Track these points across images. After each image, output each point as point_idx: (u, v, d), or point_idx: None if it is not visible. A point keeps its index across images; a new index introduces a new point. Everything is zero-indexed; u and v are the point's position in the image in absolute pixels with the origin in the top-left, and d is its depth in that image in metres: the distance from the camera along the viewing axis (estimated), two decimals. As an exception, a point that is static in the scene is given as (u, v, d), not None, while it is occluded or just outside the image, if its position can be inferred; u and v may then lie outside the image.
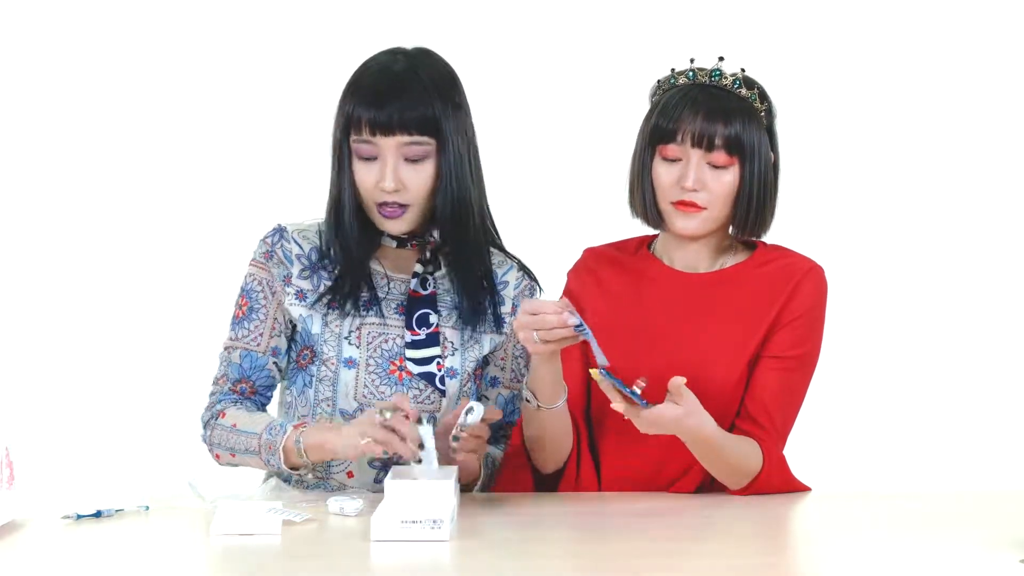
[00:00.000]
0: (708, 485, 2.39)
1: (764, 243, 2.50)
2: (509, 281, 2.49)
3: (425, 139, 2.34)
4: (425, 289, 2.45)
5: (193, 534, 2.07)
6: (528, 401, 2.35)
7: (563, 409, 2.36)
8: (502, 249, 2.51)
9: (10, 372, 4.04)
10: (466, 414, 2.24)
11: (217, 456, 2.41)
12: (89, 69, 4.07)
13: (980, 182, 4.09)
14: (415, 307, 2.43)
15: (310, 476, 2.36)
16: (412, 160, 2.35)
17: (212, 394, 2.45)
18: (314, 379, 2.42)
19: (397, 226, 2.39)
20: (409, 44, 2.44)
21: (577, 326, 2.20)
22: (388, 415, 2.21)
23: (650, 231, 2.51)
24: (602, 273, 2.50)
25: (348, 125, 2.36)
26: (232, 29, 4.06)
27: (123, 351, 4.07)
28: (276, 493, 2.37)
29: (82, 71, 4.07)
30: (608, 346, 2.35)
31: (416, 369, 2.41)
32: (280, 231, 2.47)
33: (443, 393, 2.42)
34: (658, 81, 2.46)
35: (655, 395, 2.29)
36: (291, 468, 2.34)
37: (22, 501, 2.16)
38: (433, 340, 2.43)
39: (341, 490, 2.39)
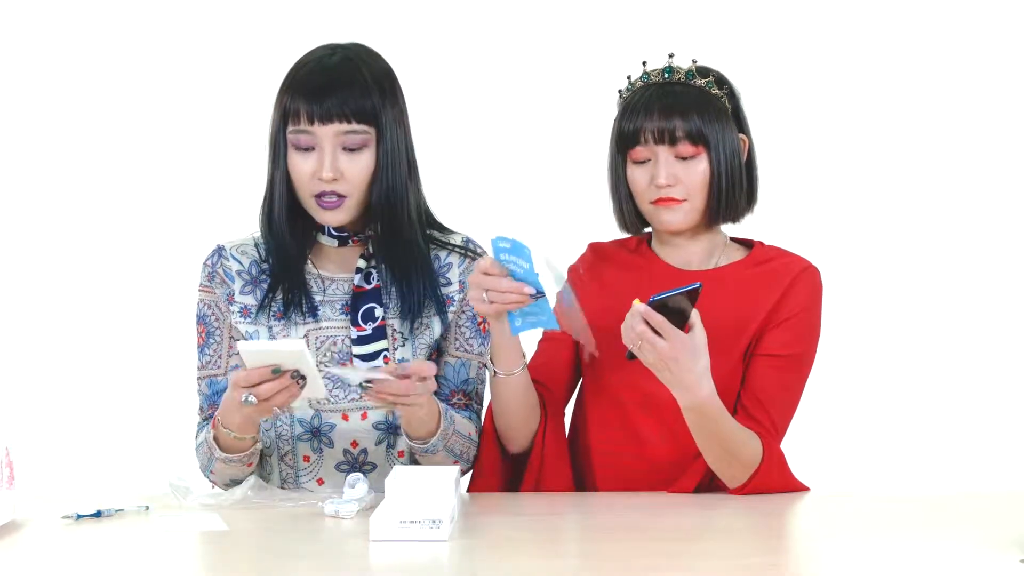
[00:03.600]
0: (707, 485, 2.39)
1: (762, 243, 2.50)
2: (453, 263, 2.49)
3: (363, 127, 2.36)
4: (369, 283, 2.45)
5: (193, 534, 2.07)
6: (487, 368, 2.38)
7: (523, 380, 2.37)
8: (443, 231, 2.50)
9: (10, 372, 4.05)
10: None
11: (213, 484, 2.42)
12: (82, 74, 4.08)
13: (979, 182, 4.09)
14: (360, 302, 2.43)
15: (258, 444, 2.36)
16: (350, 149, 2.37)
17: (196, 426, 2.48)
18: (251, 397, 2.41)
19: (335, 216, 2.39)
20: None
21: (534, 295, 2.21)
22: (251, 399, 2.20)
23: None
24: (602, 269, 2.51)
25: (285, 117, 2.38)
26: (205, 38, 4.08)
27: (123, 352, 4.07)
28: (256, 492, 2.35)
29: (73, 77, 4.08)
30: (607, 342, 2.37)
31: (363, 365, 2.40)
32: (218, 251, 2.49)
33: None
34: (619, 91, 2.48)
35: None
36: (239, 452, 2.33)
37: (22, 501, 2.16)
38: (379, 334, 2.43)
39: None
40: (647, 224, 2.49)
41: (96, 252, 4.09)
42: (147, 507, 2.23)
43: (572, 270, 2.54)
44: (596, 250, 2.56)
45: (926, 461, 3.99)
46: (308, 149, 2.37)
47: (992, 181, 4.09)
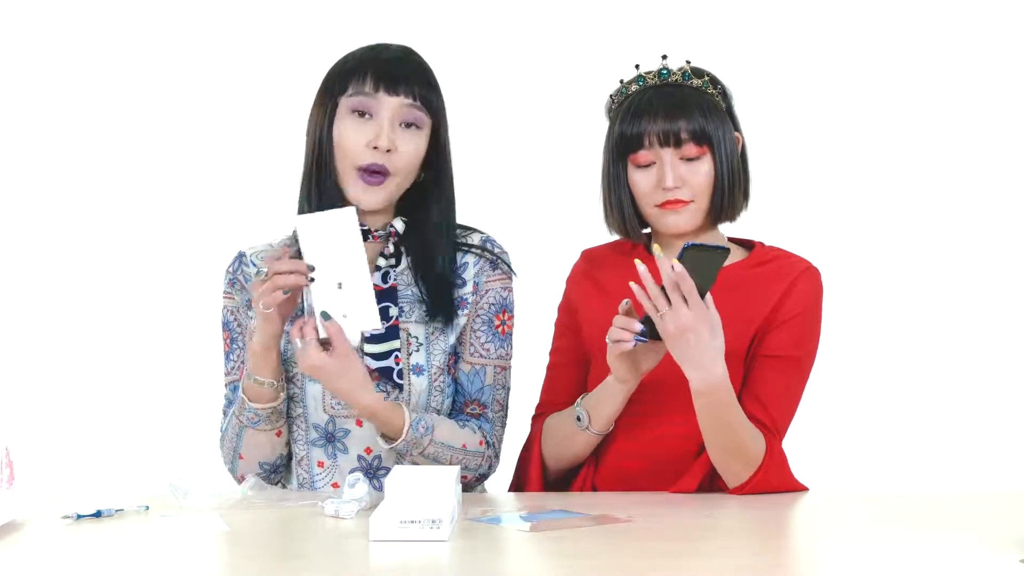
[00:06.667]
0: (708, 485, 2.39)
1: (762, 244, 2.50)
2: (469, 263, 2.48)
3: (424, 108, 2.37)
4: (385, 283, 2.44)
5: (193, 534, 2.07)
6: (579, 419, 2.38)
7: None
8: (464, 230, 2.50)
9: (10, 372, 4.05)
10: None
11: (242, 477, 2.43)
12: (85, 74, 4.08)
13: (979, 182, 4.10)
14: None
15: (282, 395, 2.38)
16: (407, 125, 2.37)
17: (220, 429, 2.49)
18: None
19: (376, 196, 2.38)
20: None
21: (638, 335, 2.22)
22: (263, 270, 2.24)
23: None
24: (599, 274, 2.50)
25: (346, 82, 2.37)
26: (224, 39, 4.08)
27: (123, 352, 4.07)
28: (256, 492, 2.36)
29: (77, 76, 4.08)
30: (589, 337, 2.42)
31: (373, 364, 2.39)
32: (239, 257, 2.50)
33: (400, 387, 2.40)
34: (610, 96, 2.47)
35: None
36: (268, 403, 2.36)
37: (22, 501, 2.16)
38: (392, 333, 2.42)
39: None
40: (646, 228, 2.49)
41: (96, 253, 4.09)
42: (147, 507, 2.23)
43: (570, 283, 2.54)
44: (590, 257, 2.56)
45: (926, 461, 3.99)
46: (364, 115, 2.36)
47: (991, 181, 4.09)
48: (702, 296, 2.19)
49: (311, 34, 3.99)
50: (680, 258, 2.18)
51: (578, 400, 2.40)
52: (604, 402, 2.35)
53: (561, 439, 2.43)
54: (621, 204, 2.44)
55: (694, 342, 2.19)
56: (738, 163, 2.43)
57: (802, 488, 2.41)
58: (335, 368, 2.24)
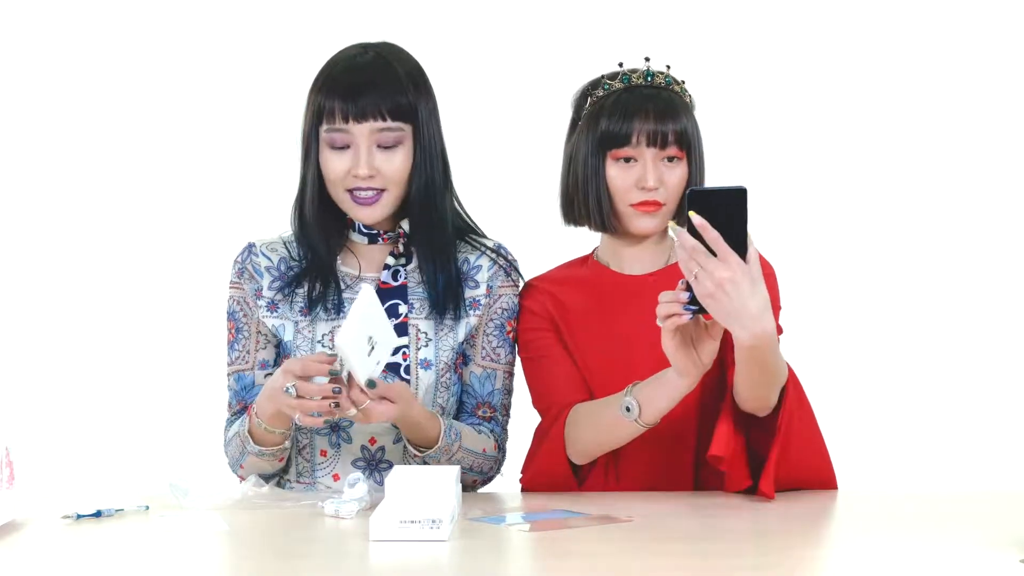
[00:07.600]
0: (707, 485, 2.39)
1: None
2: (483, 265, 2.50)
3: (398, 125, 2.38)
4: (396, 281, 2.47)
5: (193, 534, 2.07)
6: (628, 410, 2.28)
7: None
8: (478, 236, 2.52)
9: (10, 372, 4.05)
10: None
11: (242, 478, 2.43)
12: (87, 73, 4.08)
13: (980, 182, 4.10)
14: (384, 298, 2.44)
15: (287, 444, 2.38)
16: (385, 147, 2.38)
17: (225, 421, 2.49)
18: (293, 388, 2.42)
19: (372, 213, 2.40)
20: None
21: (687, 304, 2.09)
22: (291, 390, 2.21)
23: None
24: (556, 292, 2.49)
25: (319, 116, 2.38)
26: (225, 37, 4.08)
27: (123, 351, 4.07)
28: (256, 491, 2.35)
29: (79, 74, 4.08)
30: (580, 359, 2.41)
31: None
32: (249, 248, 2.51)
33: (407, 383, 2.41)
34: (586, 90, 2.47)
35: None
36: (275, 446, 2.36)
37: (22, 501, 2.16)
38: (401, 330, 2.43)
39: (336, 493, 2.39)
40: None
41: (96, 252, 4.10)
42: (147, 507, 2.23)
43: (528, 300, 2.51)
44: (539, 281, 2.53)
45: (926, 461, 3.99)
46: (343, 147, 2.38)
47: (991, 183, 4.09)
48: (741, 246, 2.06)
49: (317, 25, 3.99)
50: (688, 208, 2.08)
51: (627, 388, 2.30)
52: (661, 397, 2.25)
53: (598, 428, 2.37)
54: (599, 198, 2.43)
55: (734, 294, 2.05)
56: (703, 169, 2.45)
57: (817, 431, 2.40)
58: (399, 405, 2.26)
